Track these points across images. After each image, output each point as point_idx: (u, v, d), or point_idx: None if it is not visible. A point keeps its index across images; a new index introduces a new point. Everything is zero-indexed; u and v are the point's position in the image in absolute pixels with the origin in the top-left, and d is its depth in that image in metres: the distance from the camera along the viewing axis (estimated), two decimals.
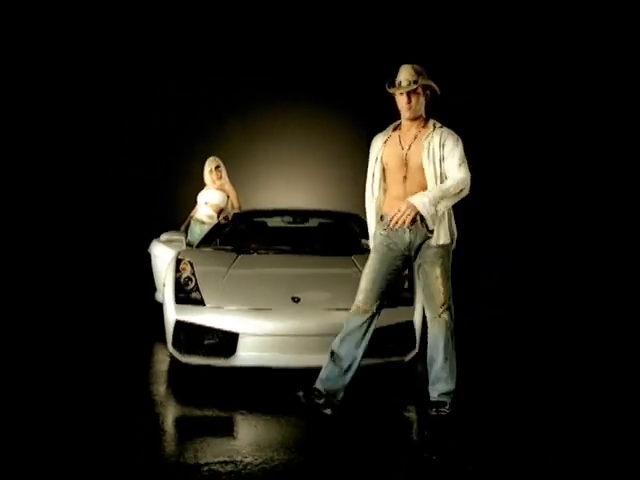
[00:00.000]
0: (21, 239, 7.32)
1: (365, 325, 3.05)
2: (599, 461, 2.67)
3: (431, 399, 3.09)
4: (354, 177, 7.10)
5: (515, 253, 7.35)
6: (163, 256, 5.14)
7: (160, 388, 3.81)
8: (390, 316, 3.55)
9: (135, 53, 7.75)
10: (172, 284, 3.75)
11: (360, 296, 3.07)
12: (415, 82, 3.02)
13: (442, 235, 3.04)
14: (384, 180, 3.15)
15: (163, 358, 4.29)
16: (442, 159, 3.02)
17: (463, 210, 3.28)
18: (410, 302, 3.71)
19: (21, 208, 7.50)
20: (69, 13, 7.51)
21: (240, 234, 4.72)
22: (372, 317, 3.06)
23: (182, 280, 3.78)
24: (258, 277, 3.83)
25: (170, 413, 3.37)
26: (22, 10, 7.36)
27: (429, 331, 3.12)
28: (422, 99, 3.07)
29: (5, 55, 7.43)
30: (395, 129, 3.19)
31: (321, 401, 3.02)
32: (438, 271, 3.05)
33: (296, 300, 3.54)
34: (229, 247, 4.36)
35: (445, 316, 3.05)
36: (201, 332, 3.51)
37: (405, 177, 3.06)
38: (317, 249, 4.32)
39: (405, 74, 3.05)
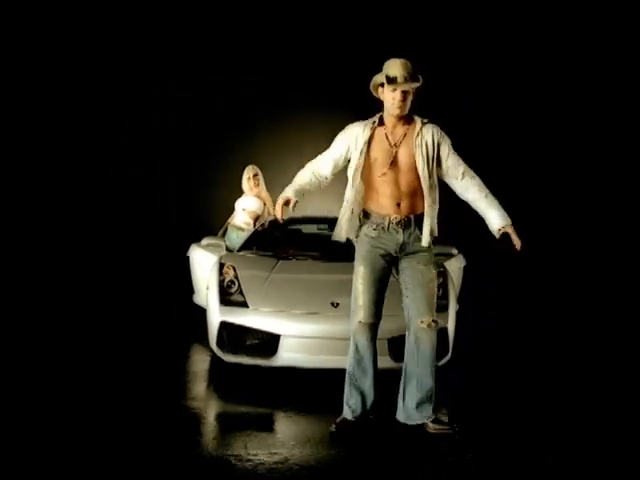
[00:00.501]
0: (64, 243, 7.51)
1: (373, 338, 3.01)
2: (599, 461, 2.67)
3: (428, 423, 2.96)
4: None
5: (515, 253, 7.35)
6: (202, 260, 5.34)
7: (201, 386, 4.01)
8: None
9: (174, 60, 7.90)
10: (216, 287, 3.94)
11: (361, 312, 2.99)
12: (412, 79, 2.93)
13: (429, 235, 3.00)
14: (364, 175, 3.05)
15: (204, 358, 4.48)
16: (434, 159, 3.00)
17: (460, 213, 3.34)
18: (445, 308, 3.85)
19: (64, 212, 7.70)
20: (78, 14, 7.60)
21: (278, 241, 4.89)
22: (376, 327, 3.03)
23: (225, 283, 3.96)
24: (298, 282, 4.00)
25: (213, 409, 3.54)
26: (22, 10, 7.45)
27: (412, 340, 3.00)
28: (411, 96, 3.01)
29: (6, 56, 7.49)
30: (378, 124, 3.07)
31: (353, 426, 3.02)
32: (433, 273, 3.04)
33: (335, 305, 3.70)
34: (268, 253, 4.54)
35: (434, 322, 2.97)
36: (244, 333, 3.69)
37: (396, 177, 3.00)
38: (352, 256, 4.47)
39: (401, 70, 2.94)
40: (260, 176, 5.83)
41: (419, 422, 2.98)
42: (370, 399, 3.05)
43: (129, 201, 7.89)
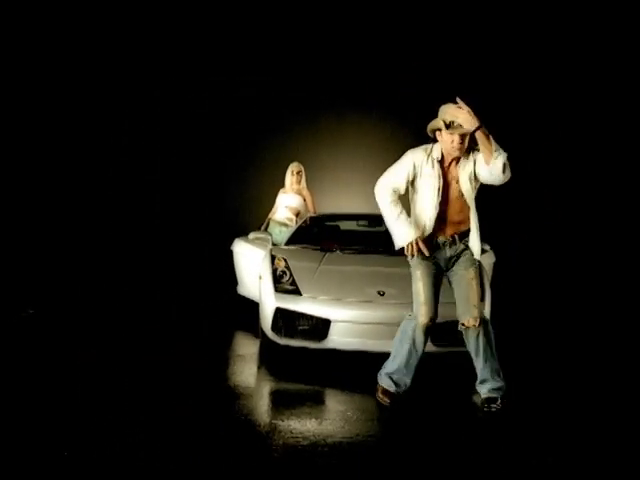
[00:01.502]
0: (113, 241, 7.88)
1: (429, 333, 3.40)
2: (599, 461, 2.68)
3: (482, 396, 3.40)
4: None
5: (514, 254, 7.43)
6: (248, 253, 5.70)
7: (252, 368, 4.36)
8: None
9: (210, 56, 8.18)
10: (270, 276, 4.29)
11: (423, 310, 3.35)
12: (473, 126, 3.13)
13: (476, 248, 3.41)
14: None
15: (253, 342, 4.85)
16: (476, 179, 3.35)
17: None
18: (482, 298, 4.15)
19: (107, 210, 8.08)
20: (81, 15, 7.80)
21: (321, 235, 5.24)
22: (434, 323, 3.40)
23: (278, 273, 4.32)
24: (345, 273, 4.34)
25: (263, 386, 3.91)
26: (23, 11, 7.66)
27: (466, 334, 3.39)
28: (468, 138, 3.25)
29: (7, 56, 7.67)
30: (435, 159, 3.35)
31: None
32: (472, 273, 3.40)
33: (381, 294, 4.04)
34: (315, 246, 4.89)
35: (481, 316, 3.37)
36: (298, 318, 4.04)
37: (446, 207, 3.37)
38: (393, 250, 4.79)
39: (459, 113, 3.17)
40: (303, 174, 6.20)
41: (483, 396, 3.39)
42: (407, 378, 3.44)
43: (205, 205, 8.21)
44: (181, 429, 2.95)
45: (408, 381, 3.44)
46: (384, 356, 3.82)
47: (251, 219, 7.46)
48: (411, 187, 3.44)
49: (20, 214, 7.59)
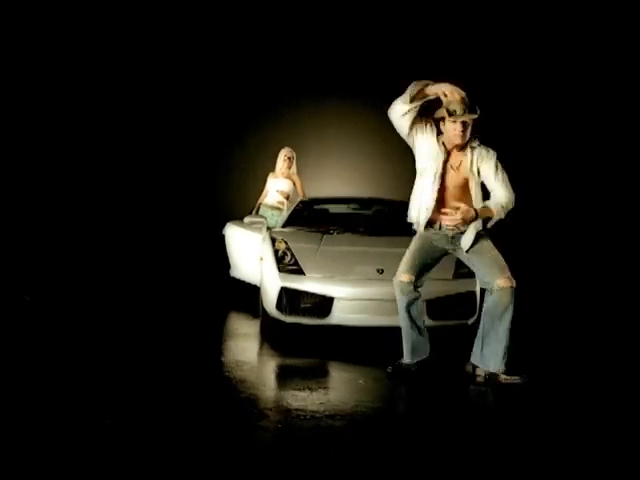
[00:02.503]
0: (102, 231, 7.94)
1: (410, 294, 3.52)
2: (599, 461, 2.63)
3: (499, 373, 3.42)
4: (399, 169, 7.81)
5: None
6: (241, 236, 5.86)
7: (255, 345, 4.58)
8: (456, 286, 4.34)
9: (199, 46, 8.27)
10: (273, 257, 4.48)
11: (399, 270, 3.54)
12: (471, 111, 3.32)
13: (467, 241, 3.49)
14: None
15: (254, 322, 5.04)
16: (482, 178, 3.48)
17: None
18: (472, 275, 4.42)
19: (103, 203, 8.14)
20: (82, 15, 7.89)
21: (315, 218, 5.43)
22: (413, 286, 3.51)
23: (279, 254, 4.51)
24: (345, 253, 4.55)
25: (269, 363, 4.10)
26: (22, 11, 7.72)
27: (491, 300, 3.42)
28: (470, 127, 3.40)
29: (7, 57, 7.75)
30: (441, 143, 3.48)
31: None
32: (486, 243, 3.49)
33: (380, 272, 4.26)
34: (312, 229, 5.08)
35: (510, 281, 3.38)
36: (302, 296, 4.24)
37: (446, 193, 3.49)
38: (386, 231, 5.03)
39: (460, 103, 3.31)
40: (294, 159, 6.37)
41: (492, 370, 3.45)
42: (419, 349, 3.60)
43: (193, 192, 8.30)
44: (185, 406, 3.01)
45: (418, 351, 3.60)
46: (383, 330, 4.08)
47: (237, 205, 7.62)
48: (417, 166, 3.60)
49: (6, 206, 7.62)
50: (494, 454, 2.63)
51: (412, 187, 3.64)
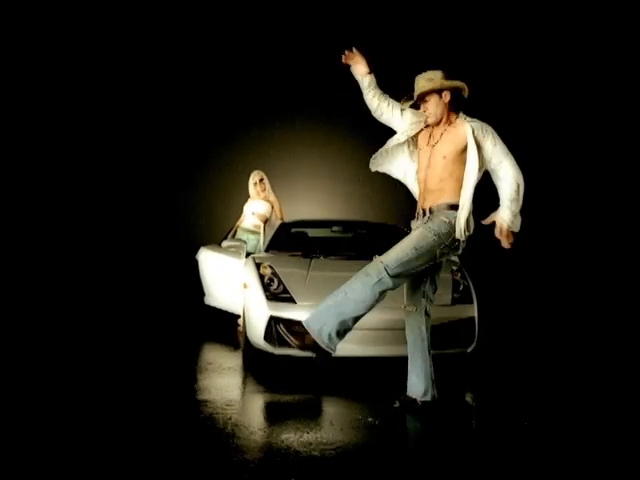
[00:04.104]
0: (70, 251, 7.52)
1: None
2: (599, 460, 2.66)
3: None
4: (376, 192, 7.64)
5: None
6: (216, 262, 5.52)
7: (238, 380, 4.18)
8: (455, 312, 4.10)
9: (185, 68, 8.03)
10: (259, 284, 4.15)
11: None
12: (421, 92, 3.24)
13: (459, 227, 3.18)
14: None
15: (234, 353, 4.68)
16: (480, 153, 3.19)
17: None
18: (470, 300, 4.21)
19: (68, 221, 7.69)
20: (82, 16, 7.62)
21: (299, 241, 5.14)
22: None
23: (265, 280, 4.19)
24: (338, 278, 4.19)
25: (257, 402, 3.68)
26: (23, 11, 7.45)
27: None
28: (440, 102, 3.25)
29: (8, 58, 7.48)
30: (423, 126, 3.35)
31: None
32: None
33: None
34: (297, 252, 4.78)
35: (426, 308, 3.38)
36: (293, 326, 3.91)
37: (427, 175, 3.28)
38: (376, 254, 4.77)
39: (417, 84, 3.28)
40: (266, 180, 6.03)
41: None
42: (421, 378, 3.33)
43: (165, 217, 7.94)
44: (168, 444, 2.75)
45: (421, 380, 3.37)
46: (383, 361, 3.80)
47: (209, 229, 7.28)
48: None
49: None
50: None
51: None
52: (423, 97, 3.28)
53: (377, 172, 3.53)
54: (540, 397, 3.11)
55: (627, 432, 3.05)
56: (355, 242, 5.30)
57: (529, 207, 3.31)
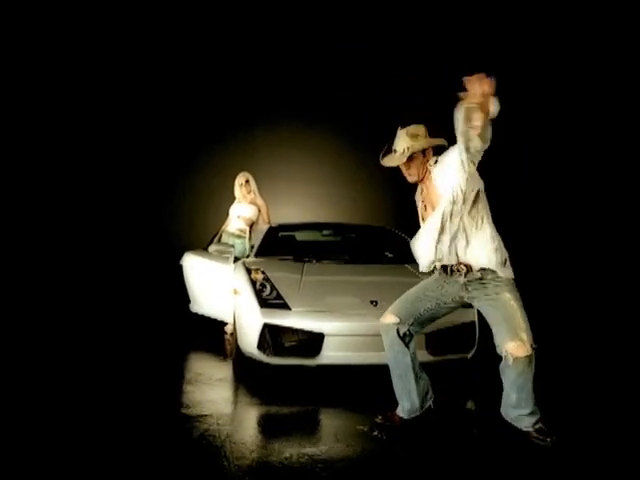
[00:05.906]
0: (54, 258, 7.29)
1: (396, 337, 3.06)
2: (599, 460, 2.63)
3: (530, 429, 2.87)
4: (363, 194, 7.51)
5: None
6: (202, 267, 5.32)
7: (229, 392, 3.96)
8: (457, 317, 3.94)
9: (166, 71, 7.85)
10: (251, 290, 3.96)
11: (388, 310, 3.09)
12: (406, 150, 2.94)
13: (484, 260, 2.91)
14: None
15: (224, 363, 4.48)
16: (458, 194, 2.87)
17: None
18: (470, 305, 4.07)
19: (51, 226, 7.45)
20: (81, 16, 7.50)
21: (289, 246, 4.96)
22: (399, 329, 3.06)
23: (257, 286, 4.00)
24: (332, 283, 4.10)
25: (250, 415, 3.49)
26: (23, 12, 7.30)
27: (503, 368, 2.84)
28: (424, 160, 2.99)
29: (8, 58, 7.33)
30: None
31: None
32: (506, 291, 2.90)
33: (374, 303, 3.83)
34: (287, 257, 4.60)
35: (524, 348, 2.75)
36: (288, 334, 3.74)
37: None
38: (369, 258, 4.63)
39: (399, 142, 2.99)
40: (252, 182, 5.82)
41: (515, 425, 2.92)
42: (414, 395, 3.09)
43: (147, 220, 7.70)
44: (161, 463, 2.60)
45: (413, 398, 3.10)
46: (381, 370, 3.63)
47: (192, 234, 7.07)
48: None
49: None
50: None
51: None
52: (410, 156, 2.99)
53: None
54: (542, 403, 3.01)
55: (631, 440, 2.96)
56: (346, 245, 5.15)
57: (529, 207, 3.21)
